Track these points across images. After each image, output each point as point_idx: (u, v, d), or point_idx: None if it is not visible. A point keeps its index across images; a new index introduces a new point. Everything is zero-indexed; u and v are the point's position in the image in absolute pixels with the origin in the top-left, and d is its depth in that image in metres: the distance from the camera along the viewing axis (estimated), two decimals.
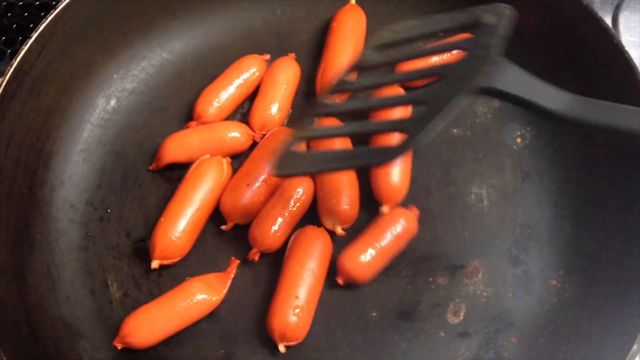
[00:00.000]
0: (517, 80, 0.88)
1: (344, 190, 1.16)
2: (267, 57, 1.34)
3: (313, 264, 1.10)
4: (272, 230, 1.15)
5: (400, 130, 0.90)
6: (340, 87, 1.07)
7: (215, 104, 1.28)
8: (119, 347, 1.09)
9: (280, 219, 1.15)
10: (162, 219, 1.16)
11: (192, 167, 1.21)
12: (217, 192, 1.19)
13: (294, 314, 1.07)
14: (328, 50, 1.32)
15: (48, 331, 1.11)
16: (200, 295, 1.10)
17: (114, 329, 1.12)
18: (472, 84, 0.88)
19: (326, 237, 1.15)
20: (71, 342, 1.12)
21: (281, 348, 1.09)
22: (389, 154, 0.90)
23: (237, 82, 1.30)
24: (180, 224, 1.14)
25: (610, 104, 0.87)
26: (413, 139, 0.86)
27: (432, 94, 0.91)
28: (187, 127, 1.28)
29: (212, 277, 1.13)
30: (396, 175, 1.18)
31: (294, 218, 1.17)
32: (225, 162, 1.22)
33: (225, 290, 1.13)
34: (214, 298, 1.11)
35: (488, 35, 0.92)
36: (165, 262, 1.15)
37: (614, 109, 0.86)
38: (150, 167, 1.26)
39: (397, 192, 1.18)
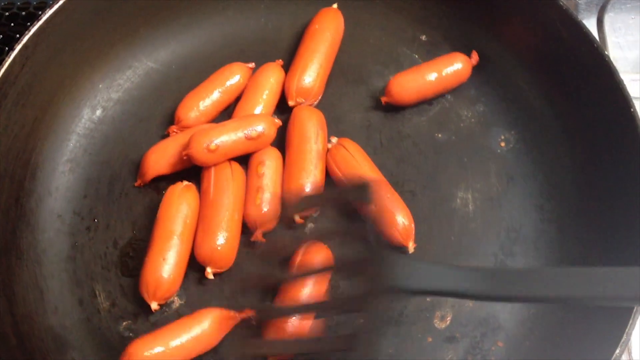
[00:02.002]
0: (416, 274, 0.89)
1: None
2: (252, 65, 1.34)
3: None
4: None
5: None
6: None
7: (196, 109, 1.27)
8: None
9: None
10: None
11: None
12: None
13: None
14: (306, 52, 1.32)
15: (37, 342, 1.11)
16: (207, 333, 1.07)
17: (103, 338, 1.13)
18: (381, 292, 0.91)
19: None
20: (60, 352, 1.12)
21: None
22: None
23: (219, 88, 1.29)
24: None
25: (515, 272, 0.89)
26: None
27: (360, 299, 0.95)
28: (167, 132, 1.28)
29: (221, 315, 1.09)
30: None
31: None
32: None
33: (227, 332, 1.10)
34: (219, 338, 1.09)
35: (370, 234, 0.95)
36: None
37: (520, 276, 0.86)
38: (136, 184, 1.26)
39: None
